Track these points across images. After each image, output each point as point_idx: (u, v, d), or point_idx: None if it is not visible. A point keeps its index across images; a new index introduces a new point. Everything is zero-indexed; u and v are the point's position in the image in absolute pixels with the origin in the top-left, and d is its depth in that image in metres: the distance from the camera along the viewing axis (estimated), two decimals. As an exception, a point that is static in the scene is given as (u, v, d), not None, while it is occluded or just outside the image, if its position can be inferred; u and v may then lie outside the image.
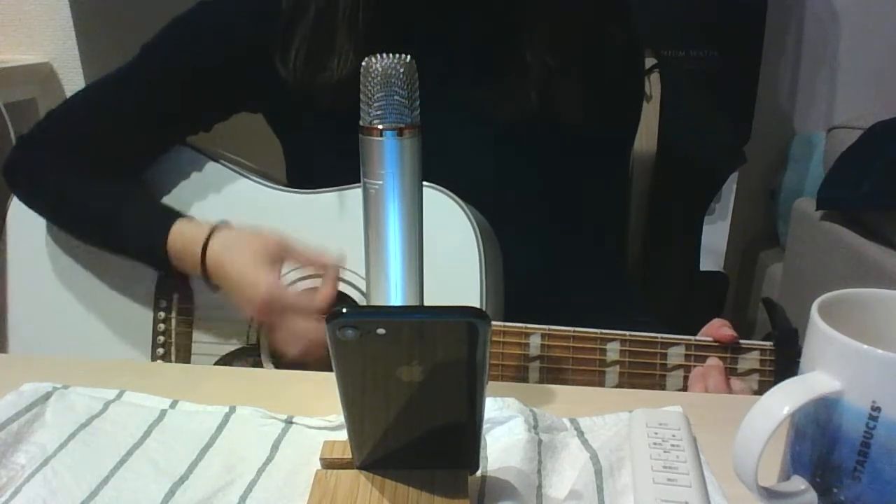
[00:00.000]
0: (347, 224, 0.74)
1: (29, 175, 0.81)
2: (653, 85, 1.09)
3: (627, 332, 0.64)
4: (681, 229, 1.16)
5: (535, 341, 0.64)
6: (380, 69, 0.46)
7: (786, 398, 0.36)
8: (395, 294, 0.51)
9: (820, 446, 0.37)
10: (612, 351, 0.64)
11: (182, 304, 0.80)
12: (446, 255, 0.68)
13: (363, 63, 0.47)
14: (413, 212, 0.49)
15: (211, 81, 0.78)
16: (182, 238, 0.74)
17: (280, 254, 0.72)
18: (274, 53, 0.75)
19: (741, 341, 0.64)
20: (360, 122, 0.48)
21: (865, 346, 0.35)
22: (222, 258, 0.72)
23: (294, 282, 0.74)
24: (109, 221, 0.78)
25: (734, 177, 1.71)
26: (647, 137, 1.08)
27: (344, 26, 0.71)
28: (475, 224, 0.70)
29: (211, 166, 0.81)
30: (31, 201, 0.81)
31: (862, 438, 0.35)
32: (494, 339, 0.64)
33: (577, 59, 0.75)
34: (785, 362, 0.62)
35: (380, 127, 0.47)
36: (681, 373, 0.64)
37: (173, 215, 0.76)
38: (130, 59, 0.79)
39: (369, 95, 0.47)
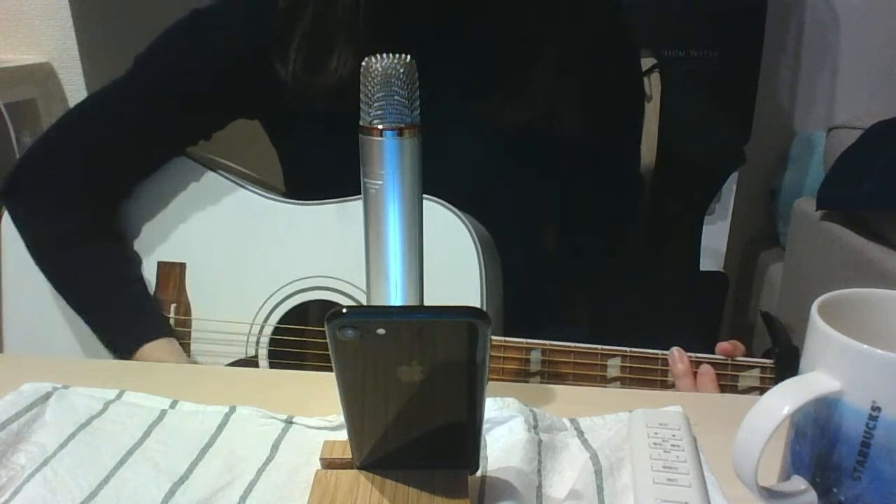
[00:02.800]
0: (346, 236, 0.74)
1: (26, 207, 0.81)
2: (653, 85, 1.09)
3: (628, 349, 0.64)
4: (681, 229, 1.16)
5: (535, 356, 0.64)
6: (380, 69, 0.46)
7: (786, 398, 0.36)
8: (394, 294, 0.51)
9: (820, 446, 0.37)
10: (613, 367, 0.64)
11: (179, 316, 0.80)
12: (446, 268, 0.68)
13: (363, 63, 0.47)
14: (413, 212, 0.49)
15: (207, 91, 0.78)
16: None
17: None
18: (271, 57, 0.74)
19: (741, 359, 0.64)
20: (360, 122, 0.48)
21: (865, 346, 0.35)
22: None
23: (297, 292, 0.75)
24: (84, 305, 0.78)
25: (734, 177, 1.70)
26: (647, 137, 1.08)
27: (343, 27, 0.71)
28: (475, 237, 0.69)
29: (209, 176, 0.80)
30: (23, 237, 0.81)
31: (862, 438, 0.35)
32: (495, 353, 0.64)
33: (577, 66, 0.75)
34: (786, 379, 0.62)
35: (380, 127, 0.47)
36: None
37: (143, 334, 0.75)
38: (125, 72, 0.79)
39: (369, 95, 0.47)
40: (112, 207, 0.81)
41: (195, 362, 0.79)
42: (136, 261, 0.80)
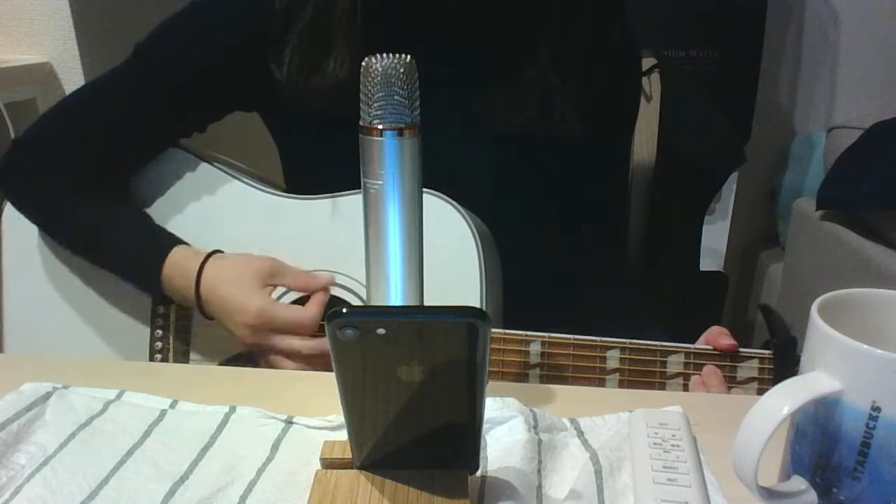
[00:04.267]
0: (341, 230, 0.74)
1: (21, 182, 0.81)
2: (653, 85, 1.09)
3: (627, 340, 0.64)
4: (681, 230, 1.16)
5: (534, 349, 0.64)
6: (380, 69, 0.46)
7: (786, 398, 0.36)
8: (395, 294, 0.51)
9: (820, 446, 0.37)
10: (612, 359, 0.64)
11: (180, 310, 0.80)
12: (446, 262, 0.68)
13: (363, 63, 0.47)
14: (413, 212, 0.49)
15: (204, 81, 0.78)
16: (178, 267, 0.74)
17: (270, 277, 0.72)
18: (268, 53, 0.74)
19: (740, 349, 0.64)
20: (360, 122, 0.48)
21: (865, 346, 0.35)
22: (214, 286, 0.72)
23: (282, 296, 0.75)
24: (103, 241, 0.78)
25: (734, 177, 1.71)
26: (647, 137, 1.08)
27: (341, 29, 0.71)
28: (475, 231, 0.70)
29: (204, 168, 0.81)
30: (23, 209, 0.81)
31: (862, 438, 0.35)
32: (494, 346, 0.64)
33: (576, 66, 0.75)
34: (784, 370, 0.62)
35: (380, 127, 0.47)
36: (680, 381, 0.64)
37: (169, 243, 0.76)
38: (123, 61, 0.79)
39: (369, 95, 0.47)
40: (109, 191, 0.81)
41: (198, 351, 0.79)
42: (134, 204, 0.81)
